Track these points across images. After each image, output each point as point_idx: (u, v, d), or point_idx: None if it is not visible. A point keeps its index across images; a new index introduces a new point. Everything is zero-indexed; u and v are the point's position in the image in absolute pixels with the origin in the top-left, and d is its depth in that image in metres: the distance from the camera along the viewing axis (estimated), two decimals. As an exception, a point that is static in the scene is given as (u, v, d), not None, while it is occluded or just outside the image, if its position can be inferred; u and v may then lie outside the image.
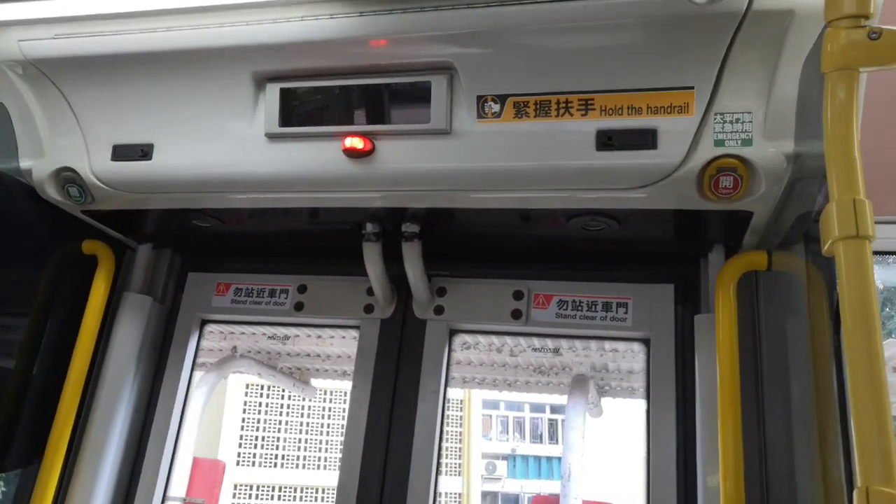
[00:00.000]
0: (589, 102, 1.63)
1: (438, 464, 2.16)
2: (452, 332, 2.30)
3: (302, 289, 2.40)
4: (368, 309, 2.32)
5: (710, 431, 1.80)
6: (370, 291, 2.29)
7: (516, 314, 2.22)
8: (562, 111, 1.65)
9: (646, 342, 2.14)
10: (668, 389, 2.02)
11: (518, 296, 2.24)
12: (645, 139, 1.60)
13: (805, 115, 1.49)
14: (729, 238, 1.95)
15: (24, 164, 2.02)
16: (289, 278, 2.43)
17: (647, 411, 2.05)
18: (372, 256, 2.14)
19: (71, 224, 2.21)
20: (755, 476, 1.82)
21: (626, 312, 2.16)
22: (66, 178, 1.99)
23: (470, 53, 1.64)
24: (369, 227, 2.10)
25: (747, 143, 1.56)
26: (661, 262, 2.15)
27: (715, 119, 1.57)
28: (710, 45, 1.51)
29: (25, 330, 2.25)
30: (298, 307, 2.39)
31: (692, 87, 1.56)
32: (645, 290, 2.15)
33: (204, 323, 2.51)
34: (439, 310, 2.28)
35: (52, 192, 2.03)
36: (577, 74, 1.62)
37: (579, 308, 2.20)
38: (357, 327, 2.34)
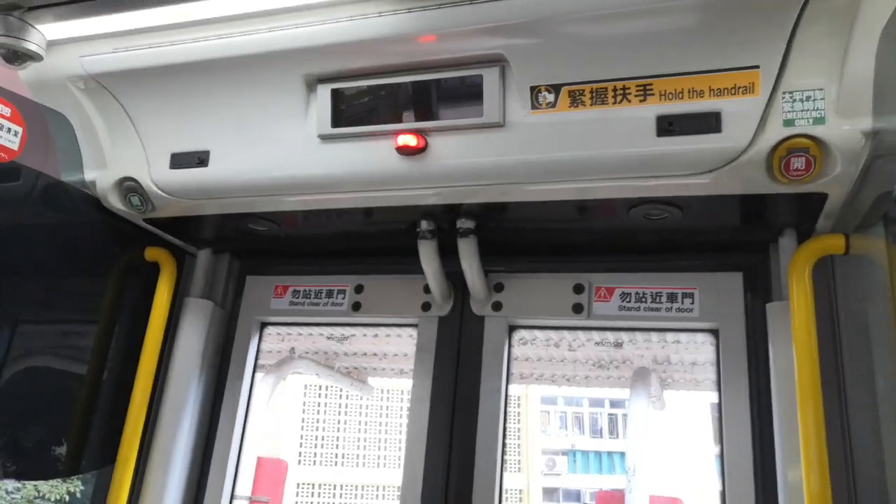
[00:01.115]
0: (647, 88, 1.57)
1: (503, 461, 2.14)
2: (512, 328, 2.26)
3: (359, 289, 2.41)
4: (426, 307, 2.30)
5: (789, 424, 1.72)
6: (427, 289, 2.28)
7: (577, 308, 2.17)
8: (619, 98, 1.59)
9: (714, 333, 2.06)
10: (741, 381, 1.94)
11: (579, 289, 2.18)
12: (708, 123, 1.53)
13: (884, 89, 1.40)
14: (801, 222, 1.86)
15: (89, 175, 2.09)
16: (345, 279, 2.43)
17: (719, 404, 1.97)
18: (428, 254, 2.12)
19: (134, 232, 2.27)
20: (840, 470, 1.73)
21: (692, 303, 2.08)
22: (128, 187, 2.04)
23: (521, 44, 1.60)
24: (424, 225, 2.08)
25: (820, 121, 1.48)
26: (727, 250, 2.06)
27: (783, 98, 1.50)
28: (776, 20, 1.44)
29: (94, 336, 2.33)
30: (356, 307, 2.39)
31: (757, 67, 1.49)
32: (711, 280, 2.07)
33: (263, 325, 2.54)
34: (497, 306, 2.24)
35: (115, 202, 2.09)
36: (633, 59, 1.56)
37: (643, 300, 2.13)
38: (415, 325, 2.33)
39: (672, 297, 2.11)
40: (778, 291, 1.92)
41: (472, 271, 2.14)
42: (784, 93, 1.50)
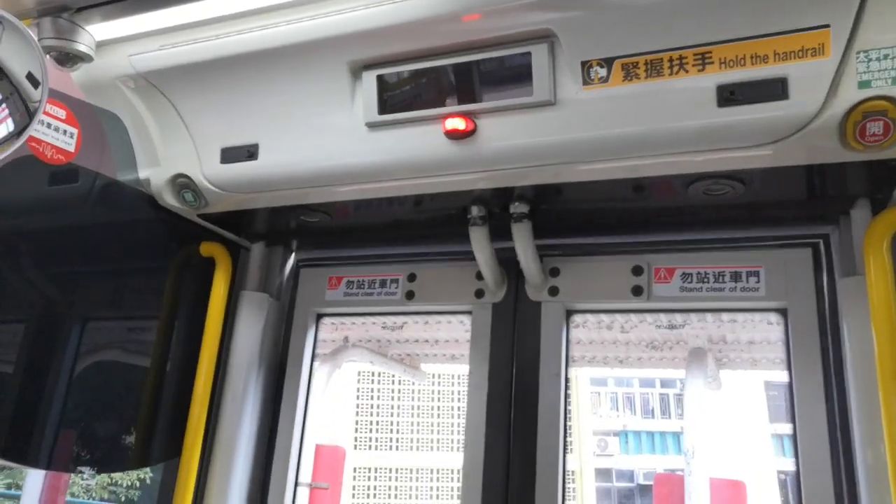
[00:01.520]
0: (706, 56, 1.49)
1: (565, 445, 2.11)
2: (569, 313, 2.22)
3: (412, 277, 2.40)
4: (479, 294, 2.28)
5: (869, 403, 1.63)
6: (479, 276, 2.25)
7: (637, 290, 2.11)
8: (676, 69, 1.52)
9: (783, 312, 1.97)
10: (813, 361, 1.86)
11: (638, 271, 2.12)
12: (774, 89, 1.45)
13: None
14: (875, 191, 1.75)
15: (143, 174, 2.11)
16: (398, 267, 2.43)
17: (790, 385, 1.89)
18: (479, 240, 2.09)
19: (189, 228, 2.30)
20: None
21: (757, 282, 1.99)
22: (181, 184, 2.06)
23: (570, 17, 1.54)
24: (475, 211, 2.05)
25: None
26: (794, 224, 1.97)
27: (858, 58, 1.40)
28: None
29: (156, 331, 2.37)
30: (409, 296, 2.39)
31: (828, 26, 1.39)
32: (778, 256, 1.98)
33: (319, 317, 2.56)
34: (554, 291, 2.20)
35: (169, 199, 2.12)
36: (689, 26, 1.48)
37: (705, 280, 2.06)
38: (469, 313, 2.31)
39: (736, 276, 2.02)
40: (851, 266, 1.82)
41: (526, 256, 2.10)
42: (859, 52, 1.40)
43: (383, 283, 2.44)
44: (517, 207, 1.99)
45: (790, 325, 1.93)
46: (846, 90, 1.41)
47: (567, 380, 2.17)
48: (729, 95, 1.48)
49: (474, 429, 2.18)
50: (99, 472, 2.54)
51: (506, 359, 2.20)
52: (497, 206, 2.02)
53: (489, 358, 2.21)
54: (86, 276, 2.84)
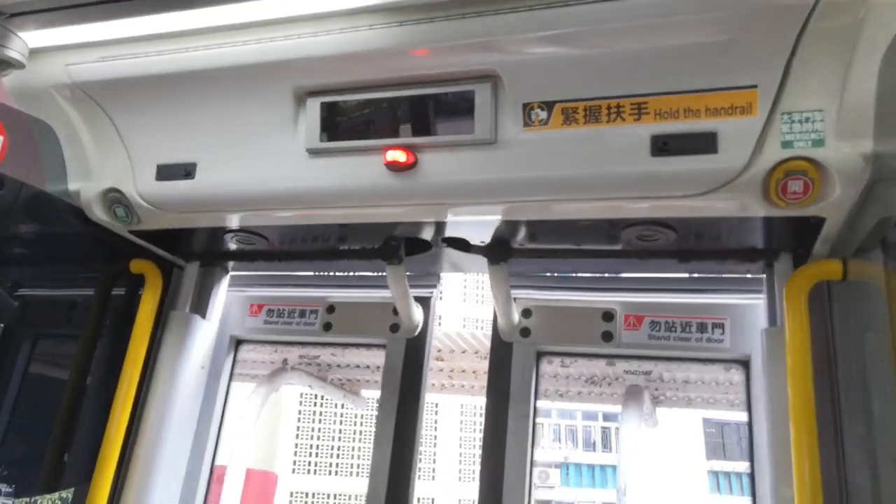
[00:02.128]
0: (642, 106, 1.54)
1: (531, 482, 2.14)
2: (540, 355, 2.26)
3: (330, 309, 2.46)
4: (394, 328, 2.36)
5: (782, 449, 1.68)
6: (395, 311, 2.32)
7: (607, 336, 2.17)
8: (613, 116, 1.56)
9: (744, 364, 2.08)
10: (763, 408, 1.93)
11: (608, 317, 2.18)
12: (704, 143, 1.49)
13: (886, 111, 1.37)
14: (797, 246, 1.82)
15: (73, 185, 2.04)
16: (321, 297, 2.48)
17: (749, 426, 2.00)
18: (395, 278, 2.14)
19: (119, 244, 2.23)
20: (835, 499, 1.68)
21: (722, 333, 2.09)
22: (113, 198, 2.00)
23: (514, 60, 1.57)
24: (393, 249, 2.08)
25: (819, 143, 1.44)
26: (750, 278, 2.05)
27: (782, 119, 1.46)
28: (776, 39, 1.40)
29: (78, 347, 2.28)
30: (327, 327, 2.45)
31: (755, 86, 1.45)
32: (738, 309, 2.09)
33: (239, 342, 2.56)
34: (525, 332, 2.23)
35: (99, 213, 2.05)
36: (628, 77, 1.53)
37: (672, 329, 2.13)
38: (383, 346, 2.36)
39: (702, 328, 2.10)
40: (772, 316, 1.89)
41: (501, 297, 2.11)
42: (783, 114, 1.46)
43: (303, 314, 2.47)
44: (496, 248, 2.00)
45: (751, 376, 2.01)
46: (770, 148, 1.47)
47: (535, 422, 2.19)
48: (662, 145, 1.53)
49: (380, 460, 2.22)
50: (15, 495, 2.41)
51: (416, 392, 2.25)
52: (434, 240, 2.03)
53: (399, 391, 2.26)
54: (8, 286, 2.71)
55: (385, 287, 2.22)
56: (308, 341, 2.57)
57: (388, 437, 2.23)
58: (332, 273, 2.50)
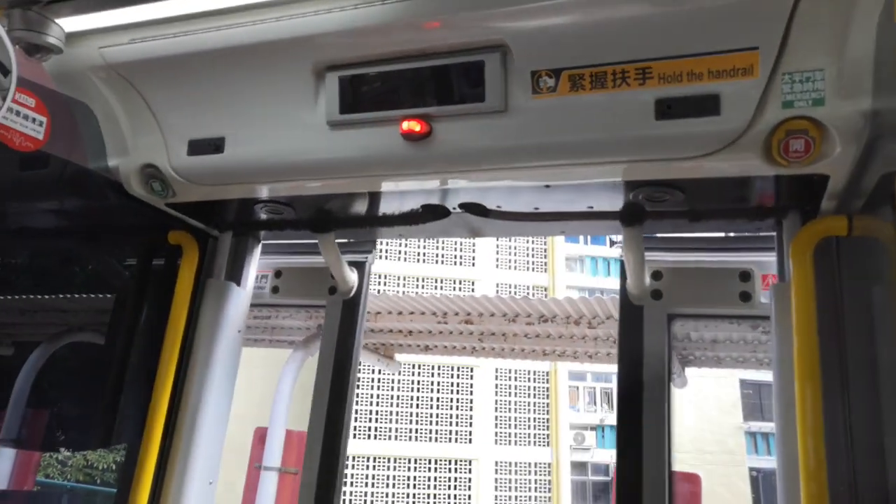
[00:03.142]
0: (646, 71, 1.58)
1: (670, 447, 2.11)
2: (671, 317, 2.23)
3: (278, 274, 2.74)
4: (332, 290, 2.59)
5: (788, 404, 1.74)
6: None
7: (745, 296, 2.16)
8: (618, 82, 1.60)
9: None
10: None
11: (745, 277, 2.17)
12: (707, 105, 1.54)
13: (884, 69, 1.39)
14: (804, 204, 1.85)
15: (112, 162, 2.17)
16: (270, 264, 2.74)
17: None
18: (325, 245, 2.41)
19: (157, 216, 2.36)
20: (840, 451, 1.74)
21: None
22: (149, 173, 2.12)
23: (521, 29, 1.62)
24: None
25: (819, 102, 1.47)
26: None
27: (783, 79, 1.49)
28: (775, 2, 1.43)
29: (122, 316, 2.44)
30: (275, 290, 2.73)
31: (756, 48, 1.48)
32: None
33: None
34: (657, 294, 2.22)
35: (137, 188, 2.17)
36: (632, 43, 1.57)
37: None
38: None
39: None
40: (782, 273, 1.93)
41: (634, 260, 2.11)
42: (784, 74, 1.49)
43: (257, 278, 2.68)
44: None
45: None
46: (771, 109, 1.50)
47: (670, 383, 2.17)
48: (666, 109, 1.57)
49: (317, 415, 2.45)
50: (70, 450, 2.60)
51: (350, 350, 2.49)
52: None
53: (335, 349, 2.49)
54: (52, 258, 2.88)
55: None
56: (258, 303, 2.78)
57: (324, 392, 2.45)
58: (284, 241, 2.72)
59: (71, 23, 1.84)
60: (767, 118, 1.50)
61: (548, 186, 1.89)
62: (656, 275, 2.23)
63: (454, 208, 2.14)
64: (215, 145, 2.01)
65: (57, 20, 1.79)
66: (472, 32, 1.67)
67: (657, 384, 2.12)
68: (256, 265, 2.63)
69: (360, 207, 2.26)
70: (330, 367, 2.49)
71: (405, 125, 1.77)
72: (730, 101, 1.52)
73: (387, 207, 2.23)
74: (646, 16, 1.52)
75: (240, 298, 2.55)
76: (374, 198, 2.14)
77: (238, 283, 2.55)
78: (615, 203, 1.98)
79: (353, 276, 2.56)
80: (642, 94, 1.59)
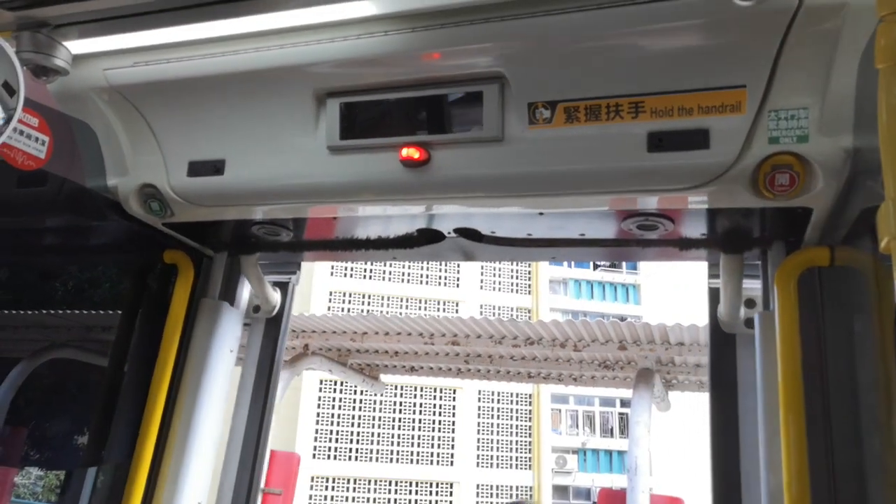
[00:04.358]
0: (639, 105, 1.64)
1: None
2: None
3: None
4: (256, 309, 2.66)
5: (772, 430, 1.79)
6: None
7: None
8: (612, 115, 1.66)
9: None
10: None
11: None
12: (697, 139, 1.60)
13: (864, 108, 1.46)
14: (789, 234, 1.92)
15: (111, 181, 2.19)
16: None
17: None
18: (247, 266, 2.53)
19: (153, 235, 2.38)
20: (823, 476, 1.79)
21: None
22: (148, 193, 2.14)
23: (519, 62, 1.68)
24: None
25: (803, 139, 1.54)
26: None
27: (769, 116, 1.56)
28: (762, 43, 1.50)
29: (115, 334, 2.44)
30: None
31: (744, 86, 1.55)
32: None
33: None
34: (750, 323, 2.13)
35: (135, 207, 2.20)
36: (625, 78, 1.63)
37: None
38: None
39: None
40: (767, 301, 1.99)
41: (731, 288, 2.07)
42: (770, 111, 1.56)
43: None
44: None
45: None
46: (758, 144, 1.57)
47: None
48: (658, 142, 1.63)
49: (236, 431, 2.50)
50: (48, 470, 2.57)
51: (271, 367, 2.57)
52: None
53: (256, 366, 2.57)
54: (47, 274, 2.88)
55: (266, 273, 2.58)
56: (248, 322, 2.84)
57: (245, 408, 2.51)
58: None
59: (76, 45, 1.87)
60: (754, 153, 1.57)
61: (541, 213, 1.94)
62: (749, 303, 2.16)
63: (449, 233, 2.19)
64: (215, 167, 2.04)
65: (65, 43, 1.82)
66: (471, 64, 1.73)
67: (753, 413, 2.01)
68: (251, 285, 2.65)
69: (357, 231, 2.30)
70: (251, 385, 2.55)
71: (404, 152, 1.81)
72: (719, 135, 1.58)
73: (382, 231, 2.26)
74: (639, 53, 1.59)
75: (233, 318, 2.56)
76: (371, 222, 2.19)
77: (232, 303, 2.57)
78: (606, 231, 2.04)
79: (276, 296, 2.63)
80: (635, 128, 1.65)
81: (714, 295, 2.18)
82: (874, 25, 1.35)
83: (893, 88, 1.18)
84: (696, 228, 1.94)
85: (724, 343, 2.17)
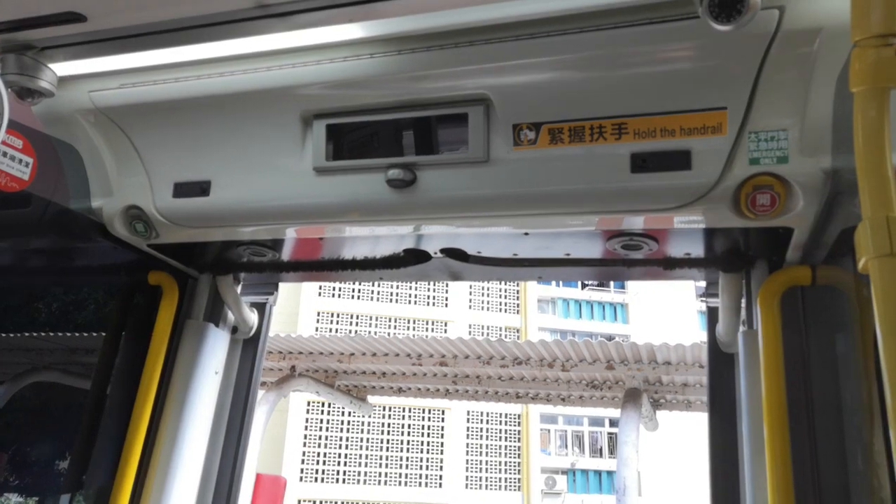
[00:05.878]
0: (622, 126, 1.66)
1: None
2: None
3: None
4: (234, 330, 2.66)
5: (757, 448, 1.79)
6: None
7: None
8: (596, 136, 1.69)
9: None
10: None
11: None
12: (679, 160, 1.62)
13: (841, 130, 1.49)
14: (771, 254, 1.94)
15: (95, 203, 2.18)
16: None
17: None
18: (224, 287, 2.51)
19: (138, 256, 2.36)
20: (808, 493, 1.79)
21: None
22: (133, 214, 2.14)
23: (504, 85, 1.70)
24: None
25: (783, 160, 1.57)
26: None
27: (749, 138, 1.59)
28: (742, 66, 1.53)
29: (98, 356, 2.41)
30: None
31: (725, 108, 1.58)
32: None
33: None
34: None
35: (120, 229, 2.18)
36: (609, 100, 1.66)
37: None
38: None
39: None
40: (750, 320, 2.01)
41: (731, 307, 2.07)
42: (750, 132, 1.59)
43: None
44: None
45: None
46: (739, 165, 1.59)
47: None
48: (641, 163, 1.65)
49: (211, 452, 2.48)
50: (28, 497, 2.52)
51: (248, 388, 2.58)
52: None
53: (234, 386, 2.57)
54: (30, 296, 2.85)
55: (244, 294, 2.60)
56: None
57: (221, 429, 2.50)
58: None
59: (62, 67, 1.87)
60: (736, 173, 1.59)
61: (527, 234, 1.95)
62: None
63: (435, 253, 2.20)
64: (201, 188, 2.04)
65: (50, 65, 1.82)
66: (456, 87, 1.74)
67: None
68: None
69: (344, 251, 2.30)
70: (228, 406, 2.55)
71: (391, 173, 1.83)
72: (700, 156, 1.61)
73: (369, 251, 2.27)
74: (622, 75, 1.62)
75: (218, 339, 2.54)
76: (358, 242, 2.19)
77: (217, 324, 2.55)
78: (592, 250, 2.05)
79: (252, 317, 2.63)
80: (618, 149, 1.67)
81: (713, 314, 2.20)
82: (849, 50, 1.38)
83: (868, 111, 1.20)
84: (679, 248, 1.96)
85: (722, 362, 2.18)
